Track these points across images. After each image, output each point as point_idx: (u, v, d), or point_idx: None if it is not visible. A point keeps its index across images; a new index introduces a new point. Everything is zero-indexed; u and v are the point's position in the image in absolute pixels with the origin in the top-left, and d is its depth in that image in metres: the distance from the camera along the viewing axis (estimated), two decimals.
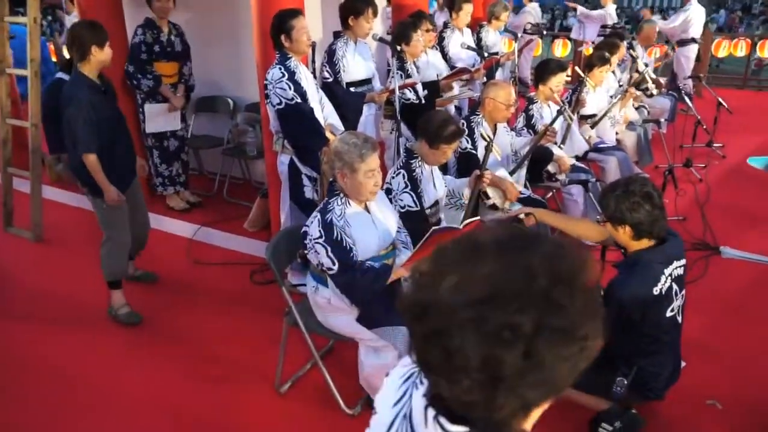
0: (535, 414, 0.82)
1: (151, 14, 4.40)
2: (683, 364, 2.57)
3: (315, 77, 3.80)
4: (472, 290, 0.73)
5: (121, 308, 3.52)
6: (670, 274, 2.35)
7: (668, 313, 2.39)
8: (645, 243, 2.34)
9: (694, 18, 7.67)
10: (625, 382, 2.40)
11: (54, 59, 8.58)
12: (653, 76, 5.70)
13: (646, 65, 5.66)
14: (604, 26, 8.35)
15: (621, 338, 2.39)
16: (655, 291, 2.31)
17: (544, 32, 8.53)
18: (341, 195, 2.48)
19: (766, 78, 12.01)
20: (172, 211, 4.74)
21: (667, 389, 2.53)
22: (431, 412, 0.84)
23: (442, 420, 0.83)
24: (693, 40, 7.53)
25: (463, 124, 3.61)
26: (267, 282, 3.83)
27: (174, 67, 4.54)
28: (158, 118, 4.54)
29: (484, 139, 3.44)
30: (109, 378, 3.03)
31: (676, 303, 2.42)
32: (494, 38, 5.97)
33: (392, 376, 1.01)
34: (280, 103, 3.25)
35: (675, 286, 2.38)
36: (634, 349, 2.44)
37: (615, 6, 8.63)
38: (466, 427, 0.81)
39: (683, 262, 2.43)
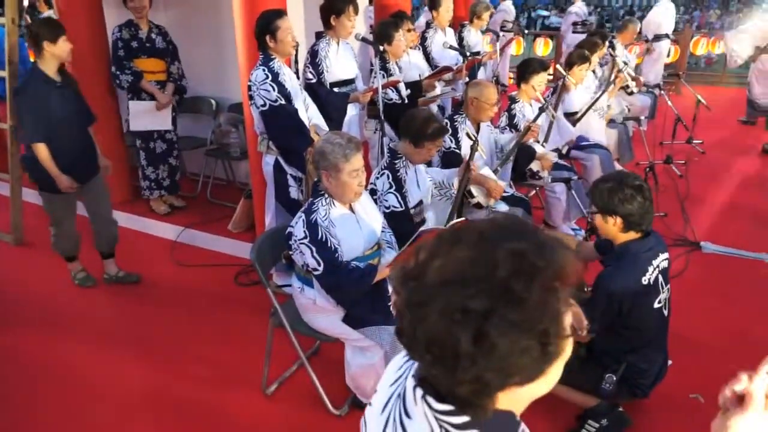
0: (508, 399, 0.86)
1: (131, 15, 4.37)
2: (669, 362, 2.61)
3: (298, 78, 3.80)
4: (445, 272, 0.79)
5: (77, 273, 3.89)
6: (657, 266, 2.39)
7: (656, 305, 2.42)
8: (632, 235, 2.38)
9: (665, 14, 7.82)
10: (614, 379, 2.43)
11: (32, 59, 8.47)
12: (633, 74, 5.77)
13: (626, 63, 5.72)
14: (575, 23, 8.46)
15: (609, 334, 2.42)
16: (644, 281, 2.34)
17: (525, 31, 8.62)
18: (326, 195, 2.48)
19: (744, 74, 12.18)
20: (155, 214, 4.71)
21: (653, 387, 2.56)
22: (419, 391, 0.89)
23: (429, 399, 0.87)
24: (666, 36, 7.66)
25: (446, 123, 3.63)
26: (252, 283, 3.82)
27: (158, 64, 4.49)
28: (144, 117, 4.47)
29: (470, 138, 3.46)
30: (93, 379, 3.01)
31: (663, 295, 2.45)
32: (476, 37, 6.00)
33: (396, 358, 1.06)
34: (264, 105, 3.23)
35: (661, 278, 2.42)
36: (623, 345, 2.47)
37: (584, 2, 8.84)
38: (451, 405, 0.85)
39: (667, 255, 2.48)
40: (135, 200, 4.80)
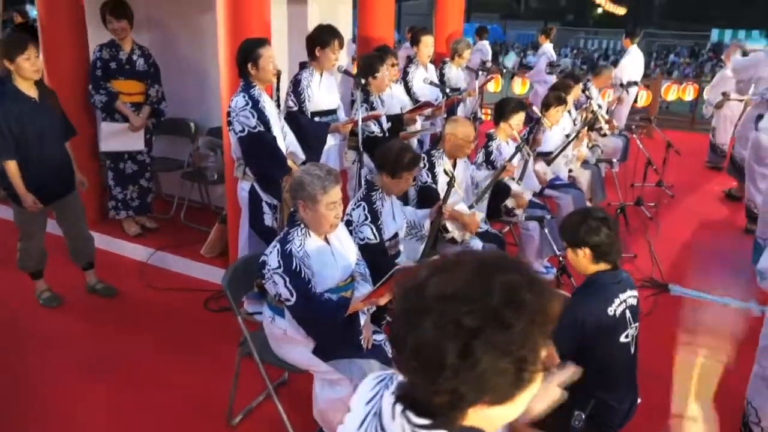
0: (478, 417, 0.92)
1: (106, 37, 4.36)
2: (639, 400, 2.63)
3: (280, 106, 3.82)
4: (445, 288, 0.88)
5: (42, 293, 3.85)
6: (624, 300, 2.42)
7: (622, 339, 2.44)
8: (602, 266, 2.43)
9: (635, 62, 8.13)
10: (583, 416, 2.43)
11: None
12: (606, 116, 5.93)
13: (600, 106, 5.88)
14: (546, 64, 8.71)
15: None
16: (610, 311, 2.37)
17: (504, 70, 8.82)
18: (302, 226, 2.48)
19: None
20: (127, 235, 4.64)
21: (622, 426, 2.57)
22: (399, 407, 0.96)
23: (409, 413, 0.94)
24: (635, 83, 7.94)
25: (424, 158, 3.67)
26: (222, 309, 3.77)
27: (136, 86, 4.46)
28: (115, 137, 4.42)
29: (447, 174, 3.50)
30: (54, 403, 2.93)
31: (630, 331, 2.47)
32: (457, 75, 6.11)
33: (368, 379, 1.15)
34: (242, 131, 3.24)
35: (629, 314, 2.45)
36: (591, 381, 2.48)
37: (551, 44, 9.12)
38: (428, 419, 0.93)
39: (636, 293, 2.51)
40: (107, 220, 4.73)
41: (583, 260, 2.42)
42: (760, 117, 5.25)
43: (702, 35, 31.17)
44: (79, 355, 3.35)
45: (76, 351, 3.39)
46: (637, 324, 2.52)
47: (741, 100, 7.15)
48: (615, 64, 8.34)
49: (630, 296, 2.46)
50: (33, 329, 3.58)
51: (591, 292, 2.42)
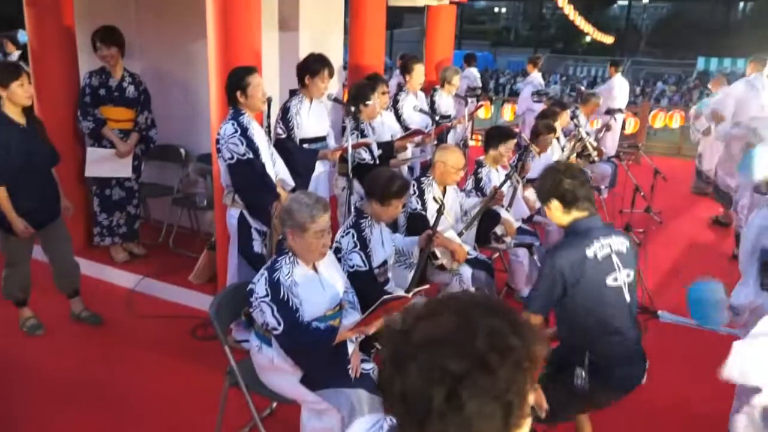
0: None
1: (95, 61, 4.38)
2: (647, 364, 2.56)
3: (270, 132, 3.83)
4: (430, 333, 0.88)
5: (27, 321, 3.78)
6: (608, 244, 2.43)
7: (610, 282, 2.41)
8: (576, 214, 2.48)
9: (619, 89, 8.28)
10: (584, 372, 2.39)
11: None
12: (594, 143, 5.98)
13: (588, 134, 5.94)
14: (532, 93, 8.82)
15: (571, 331, 2.46)
16: (589, 253, 2.38)
17: (493, 97, 8.93)
18: (290, 254, 2.47)
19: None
20: (114, 261, 4.60)
21: (631, 384, 2.51)
22: None
23: None
24: (620, 110, 8.08)
25: (413, 185, 3.69)
26: (209, 338, 3.73)
27: (124, 113, 4.46)
28: (102, 164, 4.41)
29: (436, 201, 3.51)
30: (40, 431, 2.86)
31: (619, 276, 2.44)
32: (447, 102, 6.17)
33: (361, 422, 1.20)
34: (231, 158, 3.25)
35: (617, 259, 2.43)
36: (583, 330, 2.44)
37: (539, 73, 9.29)
38: None
39: (627, 242, 2.51)
40: (94, 246, 4.69)
41: (556, 213, 2.50)
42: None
43: (688, 63, 31.73)
44: (63, 385, 3.29)
45: (60, 380, 3.33)
46: (629, 271, 2.49)
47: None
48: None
49: (617, 242, 2.47)
50: (16, 358, 3.52)
51: (567, 240, 2.49)
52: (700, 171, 7.85)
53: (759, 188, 4.26)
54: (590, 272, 2.38)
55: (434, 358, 0.86)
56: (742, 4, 39.57)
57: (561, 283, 2.39)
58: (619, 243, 2.47)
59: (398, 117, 5.33)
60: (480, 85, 9.31)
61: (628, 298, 2.49)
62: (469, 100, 6.12)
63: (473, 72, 9.53)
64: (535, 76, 9.12)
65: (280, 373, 2.52)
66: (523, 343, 0.88)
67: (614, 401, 2.56)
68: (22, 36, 6.85)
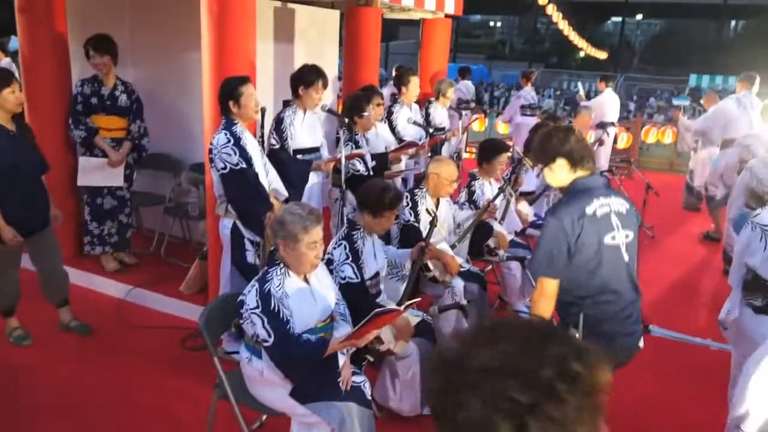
0: None
1: (87, 69, 4.37)
2: (649, 327, 2.58)
3: (263, 142, 3.83)
4: (492, 362, 0.84)
5: (13, 331, 3.73)
6: (608, 204, 2.39)
7: (608, 240, 2.37)
8: (580, 173, 2.42)
9: (609, 103, 8.35)
10: (578, 335, 2.33)
11: None
12: None
13: None
14: (523, 106, 8.90)
15: (563, 285, 2.39)
16: (588, 210, 2.33)
17: (488, 110, 8.99)
18: (281, 265, 2.45)
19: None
20: (104, 271, 4.56)
21: (628, 350, 2.48)
22: None
23: None
24: (612, 124, 8.14)
25: (407, 197, 3.69)
26: (199, 348, 3.69)
27: (117, 121, 4.45)
28: (93, 172, 4.38)
29: (429, 214, 3.51)
30: None
31: (618, 234, 2.40)
32: (442, 114, 6.19)
33: None
34: (224, 168, 3.23)
35: (615, 218, 2.40)
36: (579, 294, 2.40)
37: (531, 88, 9.34)
38: None
39: (627, 204, 2.47)
40: (84, 255, 4.65)
41: (561, 172, 2.43)
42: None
43: (681, 80, 32.05)
44: (52, 395, 3.25)
45: (48, 391, 3.29)
46: (628, 232, 2.45)
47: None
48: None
49: (617, 203, 2.43)
50: (3, 368, 3.47)
51: (568, 199, 2.42)
52: (692, 187, 7.90)
53: (748, 204, 4.29)
54: (588, 229, 2.34)
55: (499, 387, 0.81)
56: (733, 23, 40.11)
57: (565, 241, 2.33)
58: (619, 204, 2.44)
59: (392, 129, 5.34)
60: (474, 97, 9.37)
61: (626, 258, 2.44)
62: (463, 112, 6.14)
63: (468, 85, 9.61)
64: (528, 90, 9.19)
65: (269, 385, 2.50)
66: (589, 371, 0.84)
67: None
68: (14, 43, 6.84)
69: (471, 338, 0.90)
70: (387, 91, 7.15)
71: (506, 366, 0.83)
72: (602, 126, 7.42)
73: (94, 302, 4.29)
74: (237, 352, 2.76)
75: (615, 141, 8.90)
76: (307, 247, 2.39)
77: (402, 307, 2.55)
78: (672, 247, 6.39)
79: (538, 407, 0.80)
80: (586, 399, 0.83)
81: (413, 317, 2.98)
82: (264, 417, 2.98)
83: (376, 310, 2.39)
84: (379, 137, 4.78)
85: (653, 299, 4.83)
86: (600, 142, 7.39)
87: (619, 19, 39.45)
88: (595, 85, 9.22)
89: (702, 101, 8.46)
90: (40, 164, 3.59)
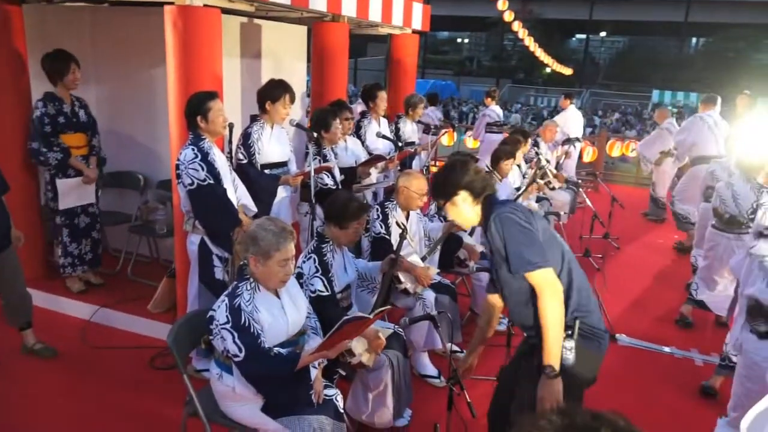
0: None
1: (51, 89, 4.25)
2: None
3: (231, 157, 3.81)
4: None
5: None
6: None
7: (558, 239, 2.32)
8: (483, 200, 2.34)
9: (573, 119, 8.57)
10: (572, 343, 2.19)
11: None
12: (554, 171, 6.12)
13: (548, 161, 6.08)
14: (489, 123, 9.05)
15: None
16: (527, 208, 2.30)
17: (456, 125, 9.11)
18: (251, 279, 2.44)
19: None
20: (70, 292, 4.46)
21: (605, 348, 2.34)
22: None
23: None
24: (577, 139, 8.33)
25: (377, 209, 3.70)
26: (168, 367, 3.64)
27: (82, 138, 4.38)
28: (72, 194, 4.31)
29: (399, 227, 3.53)
30: None
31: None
32: (411, 129, 6.25)
33: None
34: (192, 184, 3.21)
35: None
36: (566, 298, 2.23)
37: (496, 105, 9.51)
38: None
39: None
40: (48, 277, 4.55)
41: (464, 206, 2.33)
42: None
43: (644, 95, 32.90)
44: (15, 421, 3.15)
45: (11, 416, 3.19)
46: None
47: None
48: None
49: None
50: None
51: (495, 207, 2.27)
52: (656, 198, 8.11)
53: (714, 224, 4.41)
54: (540, 224, 2.26)
55: None
56: (694, 40, 41.40)
57: (533, 231, 2.19)
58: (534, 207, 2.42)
59: (362, 143, 5.37)
60: (440, 121, 9.48)
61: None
62: (429, 136, 6.22)
63: (434, 111, 9.75)
64: (492, 108, 9.33)
65: (241, 401, 2.47)
66: None
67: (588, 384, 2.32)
68: None
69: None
70: (357, 107, 7.20)
71: None
72: (568, 141, 7.59)
73: (59, 324, 4.19)
74: (207, 370, 2.73)
75: (580, 156, 9.11)
76: (278, 263, 2.38)
77: (372, 315, 2.55)
78: (637, 257, 6.53)
79: None
80: None
81: (384, 330, 2.98)
82: None
83: (345, 317, 2.39)
84: (348, 151, 4.80)
85: (619, 309, 4.92)
86: (567, 154, 7.54)
87: (583, 36, 40.41)
88: (559, 102, 9.43)
89: (655, 117, 8.73)
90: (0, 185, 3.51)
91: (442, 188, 2.36)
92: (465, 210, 2.34)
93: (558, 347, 2.15)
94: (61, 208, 4.32)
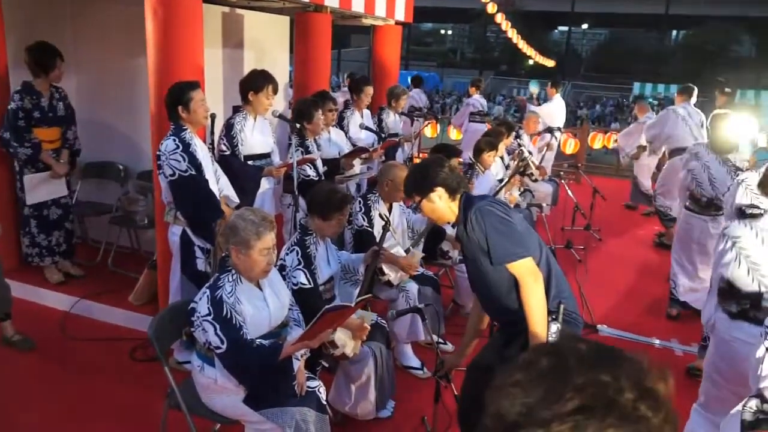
0: None
1: (29, 78, 4.18)
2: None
3: (213, 148, 3.78)
4: (563, 403, 0.75)
5: None
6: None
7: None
8: (458, 198, 2.39)
9: (557, 108, 8.61)
10: (558, 326, 2.26)
11: None
12: (536, 163, 6.15)
13: (530, 153, 6.11)
14: (472, 113, 9.08)
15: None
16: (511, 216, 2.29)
17: (439, 116, 9.12)
18: (233, 271, 2.43)
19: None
20: (48, 283, 4.41)
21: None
22: None
23: None
24: (558, 129, 8.41)
25: (360, 201, 3.70)
26: (149, 359, 3.61)
27: (56, 132, 4.31)
28: (40, 188, 4.24)
29: (382, 218, 3.52)
30: None
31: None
32: (394, 120, 6.24)
33: None
34: (173, 174, 3.18)
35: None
36: (547, 285, 2.33)
37: (480, 95, 9.54)
38: None
39: None
40: (26, 267, 4.48)
41: (440, 202, 2.36)
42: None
43: (625, 88, 33.17)
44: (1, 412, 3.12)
45: None
46: None
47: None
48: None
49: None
50: None
51: (473, 201, 2.34)
52: (643, 191, 8.19)
53: (688, 206, 4.45)
54: (517, 217, 2.34)
55: (593, 427, 0.73)
56: (675, 33, 41.76)
57: (511, 223, 2.27)
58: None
59: (345, 134, 5.35)
60: (426, 105, 9.49)
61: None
62: (415, 119, 6.20)
63: (420, 93, 9.75)
64: (476, 98, 9.36)
65: (222, 393, 2.47)
66: (656, 379, 0.80)
67: None
68: None
69: (526, 387, 0.79)
70: (340, 97, 7.17)
71: (588, 402, 0.75)
72: (550, 131, 7.63)
73: (37, 315, 4.14)
74: (188, 362, 2.71)
75: (559, 146, 9.18)
76: (259, 253, 2.37)
77: (353, 304, 2.55)
78: (618, 248, 6.59)
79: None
80: (666, 407, 0.78)
81: (367, 316, 2.99)
82: (217, 426, 2.93)
83: (326, 307, 2.39)
84: (331, 143, 4.79)
85: (601, 300, 4.98)
86: (548, 146, 7.58)
87: (565, 28, 40.58)
88: (544, 93, 9.45)
89: (635, 111, 8.79)
90: None
91: (418, 185, 2.39)
92: (440, 206, 2.38)
93: (544, 331, 2.25)
94: (28, 203, 4.26)
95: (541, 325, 2.24)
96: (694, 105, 6.76)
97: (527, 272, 2.25)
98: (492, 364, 2.39)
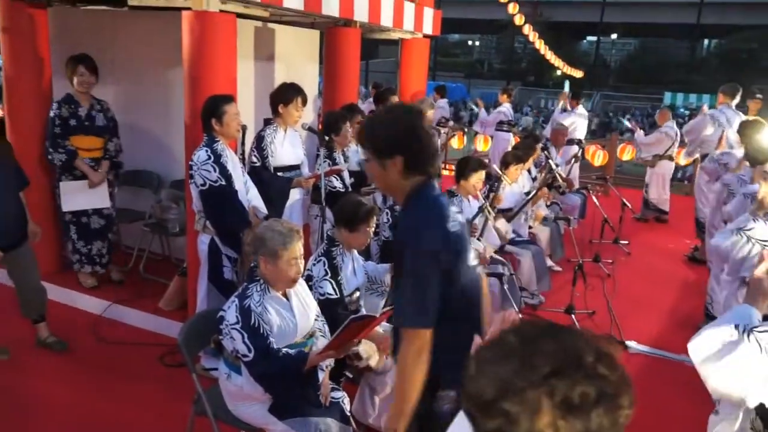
0: None
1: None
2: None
3: (244, 160, 3.86)
4: (537, 369, 0.84)
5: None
6: (455, 217, 1.92)
7: (472, 261, 1.98)
8: (416, 179, 1.90)
9: (579, 120, 8.57)
10: (452, 394, 1.88)
11: None
12: (564, 175, 6.12)
13: (558, 165, 6.08)
14: (501, 122, 9.06)
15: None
16: (450, 227, 1.86)
17: (466, 129, 9.14)
18: (261, 281, 2.48)
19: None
20: (82, 287, 4.52)
21: None
22: None
23: None
24: (580, 141, 8.35)
25: (387, 213, 3.73)
26: (178, 365, 3.68)
27: (94, 141, 4.42)
28: (77, 196, 4.35)
29: None
30: None
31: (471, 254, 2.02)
32: None
33: None
34: (204, 184, 3.26)
35: (465, 233, 1.99)
36: (454, 339, 1.87)
37: (510, 104, 9.60)
38: None
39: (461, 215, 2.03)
40: (62, 271, 4.61)
41: (393, 172, 1.87)
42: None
43: (655, 98, 32.69)
44: (27, 412, 3.21)
45: (23, 408, 3.25)
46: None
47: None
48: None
49: (458, 212, 1.99)
50: None
51: (421, 212, 1.89)
52: (647, 200, 8.09)
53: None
54: (457, 252, 1.92)
55: (565, 387, 0.84)
56: (706, 42, 41.10)
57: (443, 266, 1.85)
58: (459, 213, 2.01)
59: None
60: (450, 116, 9.54)
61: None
62: (441, 130, 6.22)
63: (443, 103, 9.81)
64: (507, 107, 9.35)
65: (248, 401, 2.51)
66: (606, 344, 0.91)
67: None
68: None
69: (500, 361, 0.88)
70: (366, 107, 7.23)
71: (559, 366, 0.85)
72: (575, 142, 7.58)
73: (71, 318, 4.25)
74: (215, 369, 2.76)
75: (583, 156, 9.12)
76: (286, 263, 2.42)
77: (378, 314, 2.58)
78: (648, 262, 6.47)
79: (603, 393, 0.84)
80: (620, 368, 0.88)
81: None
82: None
83: (352, 317, 2.42)
84: (358, 155, 4.83)
85: (630, 315, 4.91)
86: (576, 158, 7.53)
87: (594, 38, 40.21)
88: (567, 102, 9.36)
89: (656, 118, 8.69)
90: (19, 179, 3.58)
91: (378, 140, 1.89)
92: (391, 178, 1.90)
93: (408, 408, 1.85)
94: (64, 210, 4.37)
95: (406, 404, 1.83)
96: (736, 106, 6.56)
97: (417, 345, 1.81)
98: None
